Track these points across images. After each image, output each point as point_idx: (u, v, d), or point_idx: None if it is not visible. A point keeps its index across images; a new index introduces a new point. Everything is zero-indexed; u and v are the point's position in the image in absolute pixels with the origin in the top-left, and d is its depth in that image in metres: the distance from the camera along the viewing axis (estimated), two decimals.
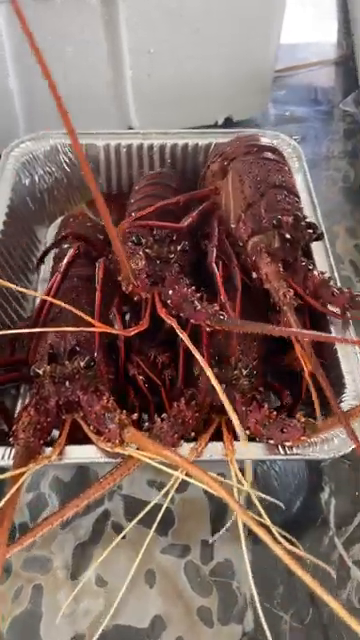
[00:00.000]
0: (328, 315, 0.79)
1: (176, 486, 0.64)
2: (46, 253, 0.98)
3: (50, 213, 1.12)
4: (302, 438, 0.66)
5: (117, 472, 0.63)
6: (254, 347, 0.77)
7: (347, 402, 0.71)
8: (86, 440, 0.67)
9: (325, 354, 0.77)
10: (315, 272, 0.79)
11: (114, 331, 0.75)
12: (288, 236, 0.78)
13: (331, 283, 0.78)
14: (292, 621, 0.69)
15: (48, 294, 0.81)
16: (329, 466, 0.82)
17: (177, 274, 0.77)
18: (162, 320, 0.73)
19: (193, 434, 0.69)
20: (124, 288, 0.78)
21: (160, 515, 0.64)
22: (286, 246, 0.78)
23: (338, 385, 0.73)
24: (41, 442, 0.67)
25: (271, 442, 0.67)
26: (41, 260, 0.99)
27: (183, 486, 0.66)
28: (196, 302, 0.71)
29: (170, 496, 0.64)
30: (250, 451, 0.67)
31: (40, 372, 0.70)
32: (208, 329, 0.70)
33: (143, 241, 0.80)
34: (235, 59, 1.25)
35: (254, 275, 0.80)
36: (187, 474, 0.61)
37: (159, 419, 0.68)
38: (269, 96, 1.42)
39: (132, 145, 1.08)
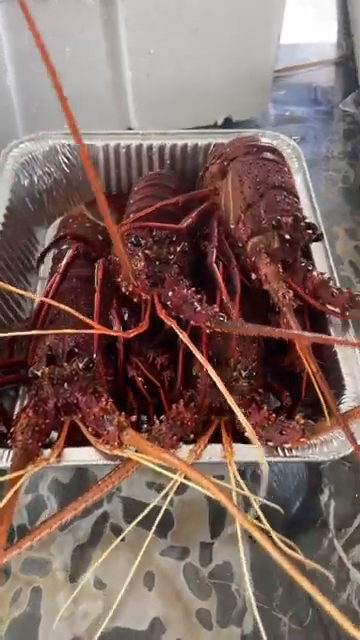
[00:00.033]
0: (328, 315, 0.79)
1: (175, 488, 0.64)
2: (45, 252, 0.98)
3: (49, 214, 1.12)
4: (301, 440, 0.66)
5: (116, 474, 0.63)
6: (253, 348, 0.77)
7: (347, 404, 0.71)
8: (85, 442, 0.67)
9: (325, 355, 0.77)
10: (314, 273, 0.79)
11: (113, 333, 0.75)
12: (288, 237, 0.77)
13: (330, 284, 0.78)
14: (291, 623, 0.68)
15: (47, 295, 0.80)
16: (329, 468, 0.81)
17: (177, 275, 0.77)
18: (161, 321, 0.73)
19: (192, 436, 0.69)
20: (124, 289, 0.77)
21: (159, 517, 0.64)
22: (285, 247, 0.77)
23: (338, 387, 0.73)
24: (39, 444, 0.66)
25: (270, 444, 0.67)
26: (40, 260, 0.99)
27: (182, 488, 0.66)
28: (196, 303, 0.71)
29: (169, 498, 0.64)
30: (249, 453, 0.67)
31: (39, 374, 0.70)
32: (208, 331, 0.70)
33: (142, 242, 0.79)
34: (235, 59, 1.25)
35: (253, 276, 0.79)
36: (186, 477, 0.60)
37: (158, 421, 0.68)
38: (269, 96, 1.42)
39: (131, 145, 1.08)
